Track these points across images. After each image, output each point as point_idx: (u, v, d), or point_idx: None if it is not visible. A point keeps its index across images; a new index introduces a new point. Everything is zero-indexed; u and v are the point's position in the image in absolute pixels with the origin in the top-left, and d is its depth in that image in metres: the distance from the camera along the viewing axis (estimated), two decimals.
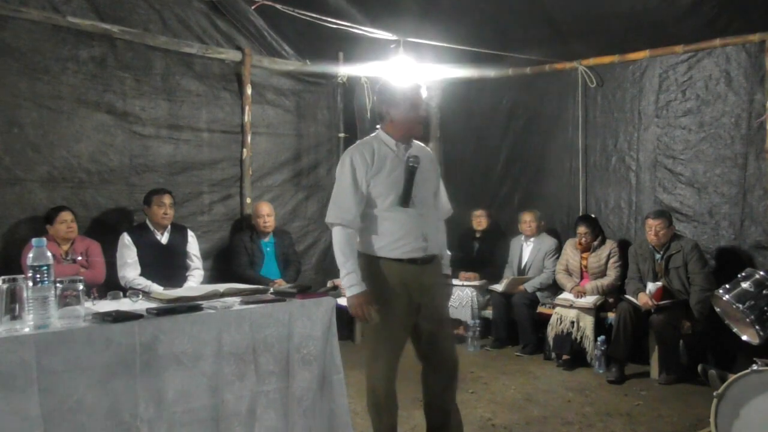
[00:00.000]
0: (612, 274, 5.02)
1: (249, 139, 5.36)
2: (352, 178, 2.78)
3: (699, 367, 3.66)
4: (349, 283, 2.74)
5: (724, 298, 3.05)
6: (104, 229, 4.52)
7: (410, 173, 2.82)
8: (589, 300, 4.90)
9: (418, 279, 2.84)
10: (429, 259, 2.88)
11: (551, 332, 4.98)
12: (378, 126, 2.96)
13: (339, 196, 2.82)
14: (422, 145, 3.05)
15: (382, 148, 2.87)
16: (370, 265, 2.82)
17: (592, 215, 5.31)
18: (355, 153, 2.85)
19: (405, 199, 2.80)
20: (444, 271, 3.02)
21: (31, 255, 2.21)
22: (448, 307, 3.23)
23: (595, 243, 5.11)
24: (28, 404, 2.09)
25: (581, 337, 4.83)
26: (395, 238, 2.81)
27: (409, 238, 2.82)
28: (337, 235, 2.78)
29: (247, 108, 5.34)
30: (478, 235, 5.92)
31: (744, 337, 3.08)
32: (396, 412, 2.99)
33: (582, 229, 5.10)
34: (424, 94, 2.91)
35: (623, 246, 5.09)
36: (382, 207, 2.81)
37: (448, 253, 3.10)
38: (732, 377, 2.88)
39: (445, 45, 5.26)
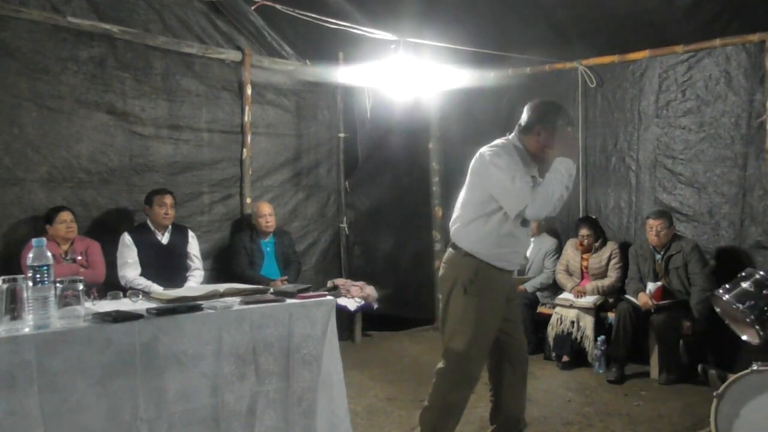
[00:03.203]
0: (613, 276, 5.01)
1: (249, 139, 5.36)
2: (517, 168, 2.80)
3: (699, 367, 3.66)
4: (561, 165, 2.78)
5: (724, 298, 3.05)
6: (104, 229, 4.52)
7: None
8: (589, 300, 4.90)
9: (509, 288, 3.06)
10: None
11: (551, 332, 4.98)
12: (515, 132, 2.98)
13: (515, 186, 2.76)
14: None
15: (521, 160, 2.88)
16: (479, 268, 2.88)
17: (594, 217, 5.31)
18: (511, 153, 2.85)
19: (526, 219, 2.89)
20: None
21: (31, 255, 2.21)
22: None
23: (597, 244, 5.11)
24: (28, 404, 2.09)
25: (581, 337, 4.83)
26: (509, 251, 2.91)
27: (519, 254, 3.00)
28: (535, 205, 2.72)
29: (247, 108, 5.34)
30: None
31: (744, 337, 3.08)
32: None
33: (584, 231, 5.09)
34: (573, 136, 2.97)
35: (624, 248, 5.08)
36: (508, 220, 2.84)
37: None
38: (732, 377, 2.88)
39: (445, 45, 5.26)
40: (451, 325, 2.95)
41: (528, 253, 5.52)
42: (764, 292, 2.98)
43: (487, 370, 3.17)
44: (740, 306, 2.97)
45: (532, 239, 5.50)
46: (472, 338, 2.88)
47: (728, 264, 4.57)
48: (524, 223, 2.89)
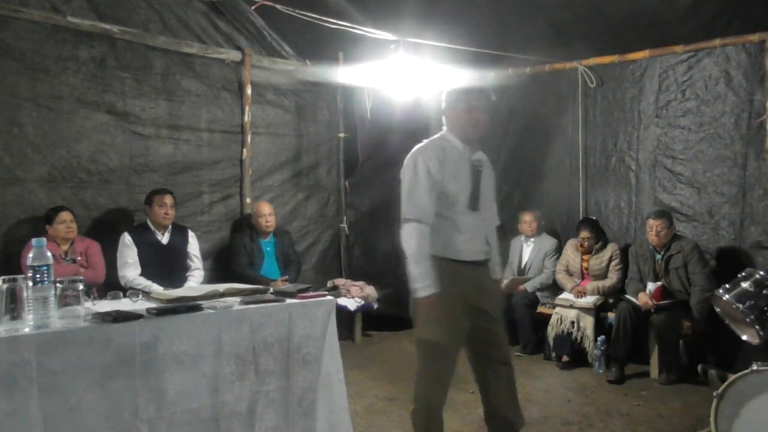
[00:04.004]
0: (613, 277, 5.00)
1: (249, 139, 5.36)
2: (426, 175, 2.76)
3: (699, 367, 3.66)
4: (424, 282, 2.72)
5: (724, 298, 3.05)
6: (104, 229, 4.52)
7: (476, 176, 2.85)
8: (589, 300, 4.90)
9: (479, 281, 2.89)
10: (486, 262, 2.94)
11: (551, 332, 4.98)
12: (444, 126, 2.96)
13: (414, 193, 2.76)
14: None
15: (450, 150, 2.86)
16: (435, 264, 2.81)
17: (594, 218, 5.31)
18: (427, 152, 2.81)
19: (474, 203, 2.83)
20: (495, 276, 3.06)
21: (31, 255, 2.21)
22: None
23: (597, 246, 5.10)
24: (28, 404, 2.09)
25: (581, 337, 4.83)
26: (462, 240, 2.83)
27: (475, 242, 2.87)
28: (413, 231, 2.74)
29: (247, 108, 5.34)
30: None
31: (744, 337, 3.08)
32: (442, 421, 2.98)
33: (585, 234, 5.08)
34: (485, 99, 2.88)
35: (625, 249, 5.08)
36: (450, 209, 2.80)
37: (499, 257, 3.13)
38: (732, 377, 2.88)
39: (445, 45, 5.26)
40: (418, 327, 2.90)
41: (528, 254, 5.54)
42: (764, 292, 2.98)
43: (474, 380, 3.09)
44: (740, 306, 2.96)
45: (532, 239, 5.52)
46: (438, 335, 2.82)
47: (728, 264, 4.57)
48: (473, 206, 2.84)
